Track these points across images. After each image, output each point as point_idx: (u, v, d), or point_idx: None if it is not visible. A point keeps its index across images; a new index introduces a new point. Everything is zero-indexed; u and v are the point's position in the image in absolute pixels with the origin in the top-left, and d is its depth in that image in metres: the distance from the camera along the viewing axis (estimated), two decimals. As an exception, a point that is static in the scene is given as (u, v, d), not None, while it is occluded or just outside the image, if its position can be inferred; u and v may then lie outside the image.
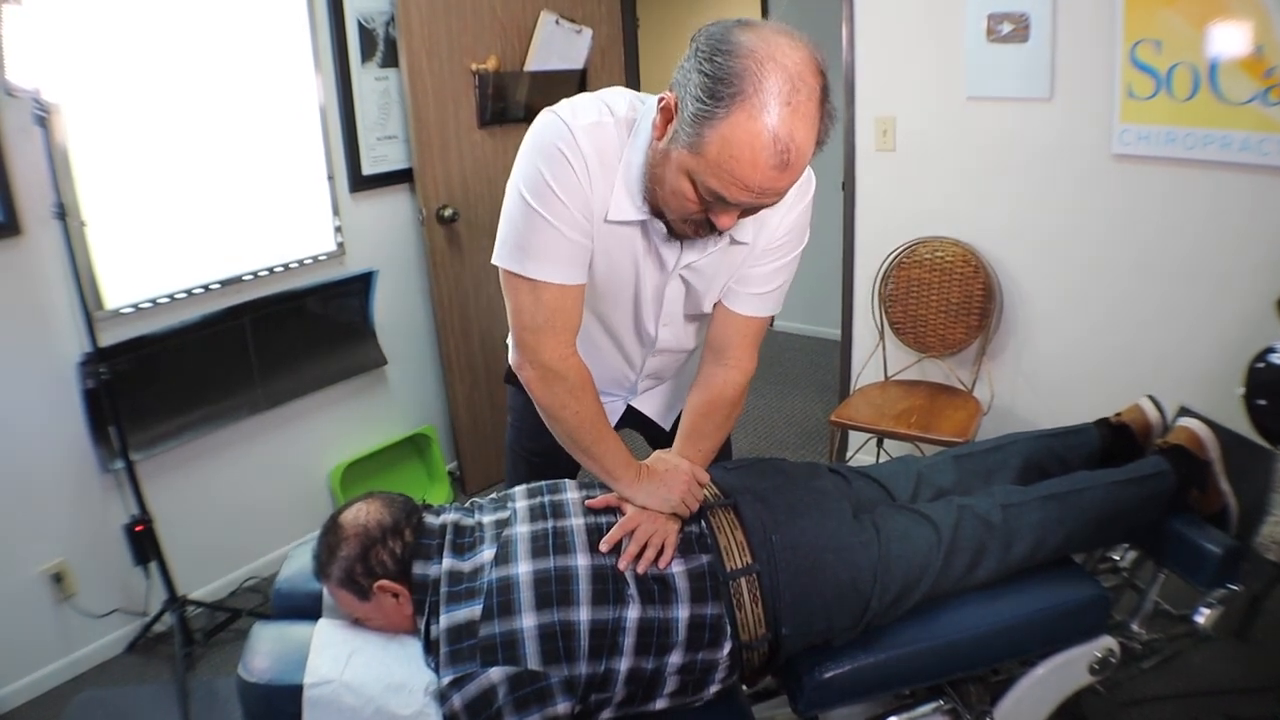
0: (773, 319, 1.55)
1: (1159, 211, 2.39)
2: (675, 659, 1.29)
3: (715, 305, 1.48)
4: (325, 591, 1.39)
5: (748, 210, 1.19)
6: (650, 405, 1.68)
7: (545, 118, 1.26)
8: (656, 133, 1.18)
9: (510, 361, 1.46)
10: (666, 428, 1.69)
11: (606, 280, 1.38)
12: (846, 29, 2.79)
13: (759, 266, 1.41)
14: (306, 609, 1.43)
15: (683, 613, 1.30)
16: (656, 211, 1.26)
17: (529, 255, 1.28)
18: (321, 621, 1.35)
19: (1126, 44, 2.29)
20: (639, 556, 1.32)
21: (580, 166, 1.22)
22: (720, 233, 1.25)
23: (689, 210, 1.19)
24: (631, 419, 1.70)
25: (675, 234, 1.29)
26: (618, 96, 1.30)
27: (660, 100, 1.16)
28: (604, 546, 1.33)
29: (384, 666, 1.24)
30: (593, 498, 1.43)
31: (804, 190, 1.37)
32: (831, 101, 1.11)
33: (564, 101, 1.28)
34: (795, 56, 1.06)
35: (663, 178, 1.19)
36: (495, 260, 1.33)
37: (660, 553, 1.33)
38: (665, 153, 1.17)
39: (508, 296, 1.35)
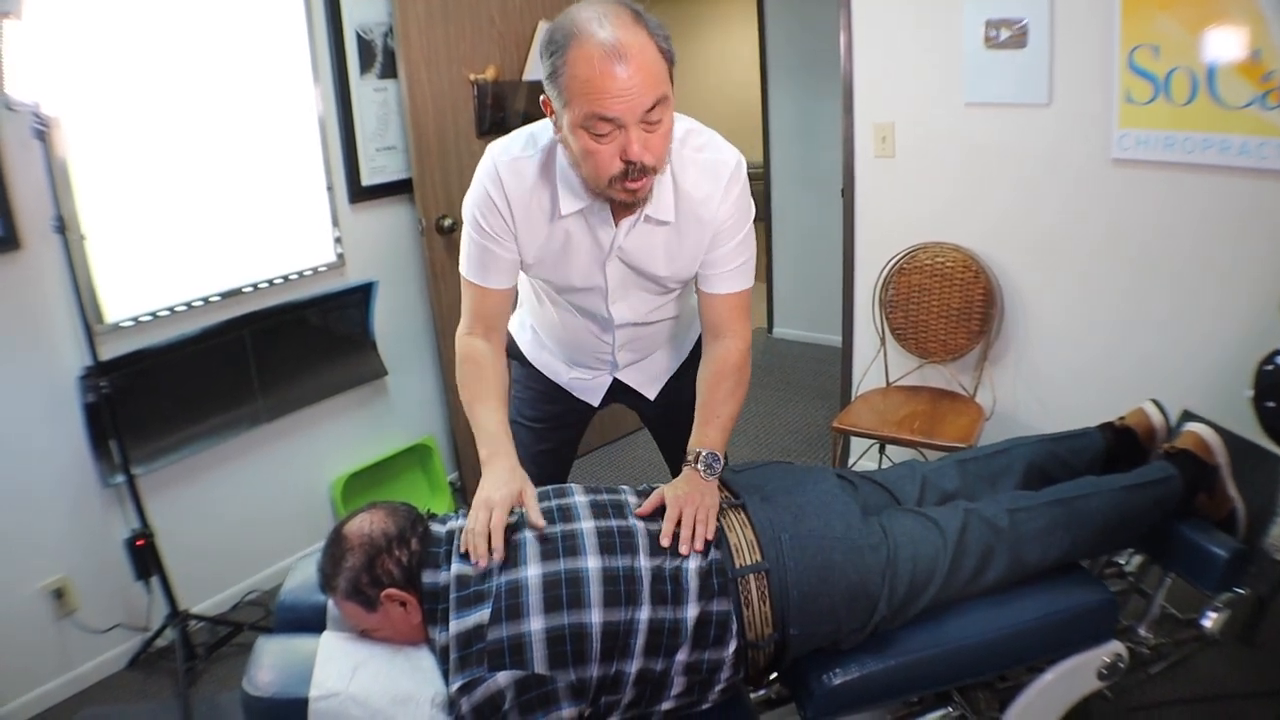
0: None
1: (1159, 216, 2.39)
2: (682, 657, 1.30)
3: (699, 294, 1.61)
4: (330, 604, 1.39)
5: (647, 126, 1.28)
6: (634, 377, 1.81)
7: (483, 157, 1.49)
8: (555, 128, 1.36)
9: None
10: (651, 398, 1.83)
11: (563, 268, 1.54)
12: (845, 36, 2.80)
13: (719, 249, 1.53)
14: (310, 622, 1.42)
15: (691, 611, 1.31)
16: (595, 193, 1.40)
17: (470, 264, 1.55)
18: (326, 634, 1.35)
19: (1124, 49, 2.30)
20: (680, 540, 1.36)
21: (501, 201, 1.46)
22: (640, 176, 1.32)
23: (605, 165, 1.30)
24: (621, 394, 1.83)
25: (616, 205, 1.42)
26: (546, 126, 1.43)
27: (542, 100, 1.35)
28: (646, 509, 1.41)
29: (390, 679, 1.24)
30: (600, 501, 1.44)
31: (734, 178, 1.48)
32: (652, 24, 1.27)
33: (502, 138, 1.50)
34: (600, 6, 1.25)
35: (573, 150, 1.33)
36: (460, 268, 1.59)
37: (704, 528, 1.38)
38: (561, 130, 1.33)
39: None
